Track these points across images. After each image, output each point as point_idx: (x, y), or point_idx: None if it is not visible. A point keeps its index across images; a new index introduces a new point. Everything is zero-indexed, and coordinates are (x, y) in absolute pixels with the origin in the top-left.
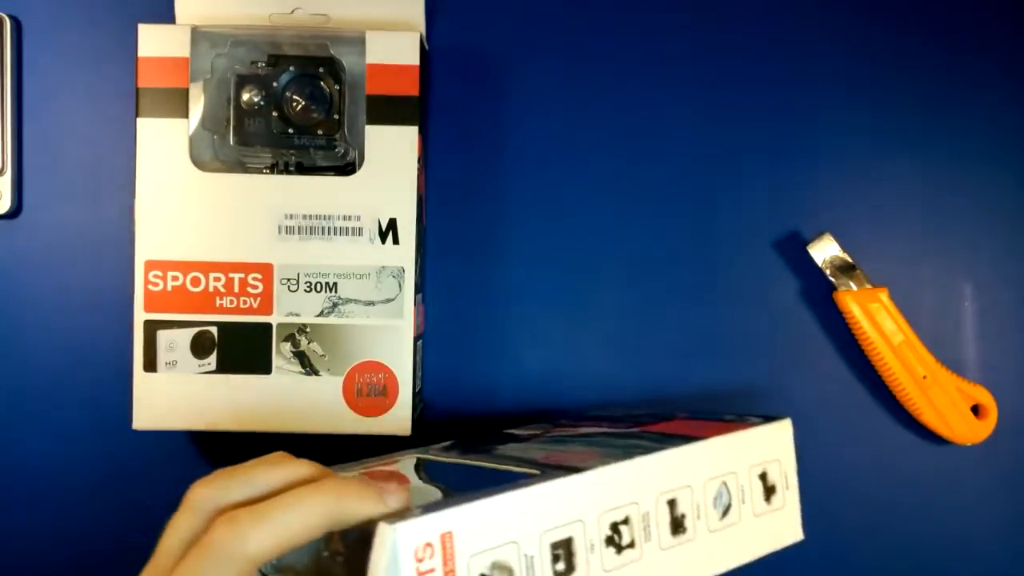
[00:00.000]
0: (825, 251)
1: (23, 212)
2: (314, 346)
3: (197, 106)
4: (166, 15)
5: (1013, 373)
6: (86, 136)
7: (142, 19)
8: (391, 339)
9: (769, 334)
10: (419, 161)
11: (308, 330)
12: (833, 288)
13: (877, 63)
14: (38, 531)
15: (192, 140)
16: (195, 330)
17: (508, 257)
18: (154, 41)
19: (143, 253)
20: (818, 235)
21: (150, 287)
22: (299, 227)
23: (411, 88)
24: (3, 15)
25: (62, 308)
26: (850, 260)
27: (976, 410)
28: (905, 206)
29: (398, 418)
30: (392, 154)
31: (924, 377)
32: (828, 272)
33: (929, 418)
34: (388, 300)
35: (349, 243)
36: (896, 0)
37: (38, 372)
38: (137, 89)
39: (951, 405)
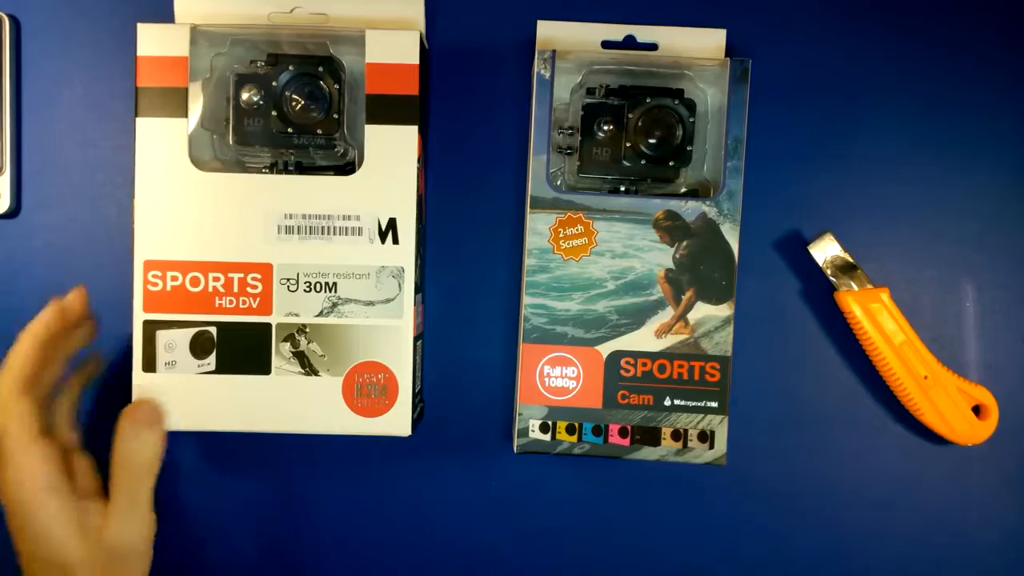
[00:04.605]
0: (826, 251)
1: (22, 212)
2: (313, 346)
3: (196, 105)
4: (165, 15)
5: (1014, 373)
6: (85, 136)
7: (141, 19)
8: (391, 339)
9: (769, 334)
10: (419, 161)
11: (308, 330)
12: (834, 288)
13: (877, 63)
14: None
15: (191, 140)
16: (194, 330)
17: (507, 257)
18: (153, 40)
19: (142, 253)
20: (819, 235)
21: (149, 287)
22: (299, 227)
23: (411, 87)
24: (3, 15)
25: None
26: (851, 260)
27: (977, 410)
28: (906, 206)
29: (398, 418)
30: (392, 153)
31: (925, 377)
32: (829, 272)
33: (930, 418)
34: (388, 300)
35: (349, 243)
36: (895, 1)
37: None
38: (136, 88)
39: (952, 405)
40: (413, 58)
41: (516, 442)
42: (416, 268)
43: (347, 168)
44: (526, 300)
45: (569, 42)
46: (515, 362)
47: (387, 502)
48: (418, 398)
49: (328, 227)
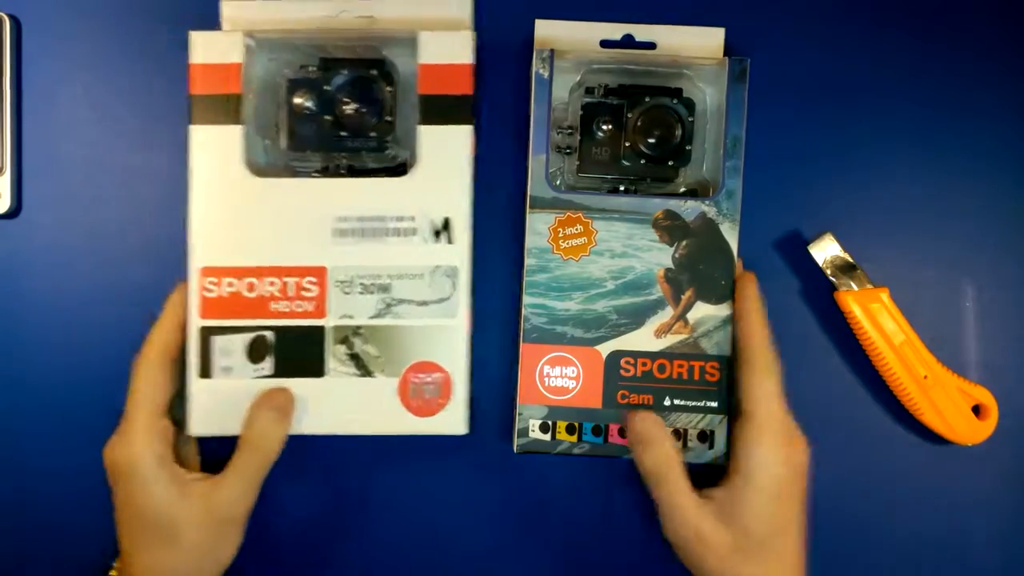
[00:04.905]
0: (826, 251)
1: (22, 212)
2: (368, 347)
3: (249, 111)
4: (167, 14)
5: (1014, 373)
6: (85, 136)
7: (141, 18)
8: (445, 339)
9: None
10: (472, 160)
11: (362, 332)
12: (834, 288)
13: (877, 63)
14: (39, 534)
15: (245, 145)
16: (251, 335)
17: (507, 257)
18: (206, 48)
19: (198, 260)
20: (819, 235)
21: (205, 293)
22: (353, 229)
23: (465, 87)
24: (3, 15)
25: (61, 308)
26: (851, 260)
27: (977, 410)
28: (906, 206)
29: (453, 417)
30: (446, 153)
31: (925, 377)
32: (829, 272)
33: (930, 418)
34: (442, 300)
35: (403, 244)
36: (895, 0)
37: (37, 372)
38: (190, 96)
39: (952, 405)
40: (467, 58)
41: (516, 442)
42: (470, 267)
43: (397, 170)
44: (526, 300)
45: (568, 41)
46: (515, 362)
47: (389, 501)
48: (472, 396)
49: (382, 229)
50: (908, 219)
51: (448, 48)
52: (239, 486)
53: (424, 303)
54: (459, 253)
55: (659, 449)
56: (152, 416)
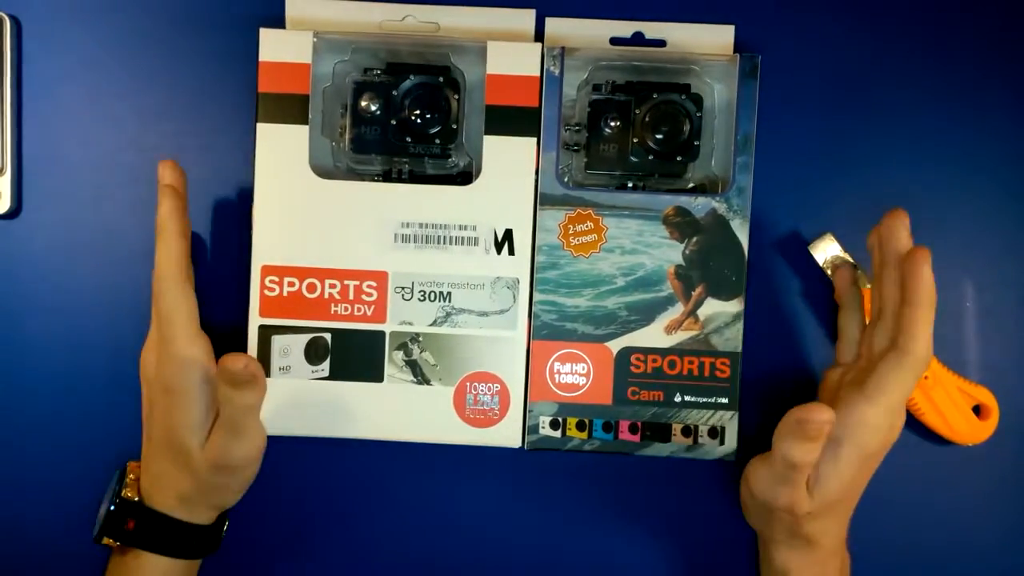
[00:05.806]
0: (826, 251)
1: (23, 212)
2: (426, 355)
3: (315, 112)
4: (166, 14)
5: (1015, 373)
6: (85, 136)
7: (140, 18)
8: (504, 350)
9: (780, 330)
10: (536, 172)
11: (421, 339)
12: (834, 288)
13: (876, 63)
14: (30, 530)
15: (310, 146)
16: (309, 336)
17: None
18: (275, 46)
19: (259, 258)
20: (819, 235)
21: (266, 292)
22: (415, 235)
23: (531, 99)
24: (3, 15)
25: (61, 308)
26: (851, 260)
27: (978, 410)
28: (906, 206)
29: (509, 430)
30: (510, 164)
31: (925, 378)
32: (829, 272)
33: (931, 418)
34: (502, 311)
35: (464, 253)
36: (894, 1)
37: (37, 372)
38: (257, 94)
39: (953, 405)
40: (535, 70)
41: (526, 439)
42: (530, 279)
43: (458, 178)
44: (536, 297)
45: (578, 39)
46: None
47: (398, 497)
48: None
49: (444, 236)
50: (909, 218)
51: (516, 59)
52: (233, 440)
53: (484, 313)
54: (520, 265)
55: (815, 447)
56: (193, 336)
